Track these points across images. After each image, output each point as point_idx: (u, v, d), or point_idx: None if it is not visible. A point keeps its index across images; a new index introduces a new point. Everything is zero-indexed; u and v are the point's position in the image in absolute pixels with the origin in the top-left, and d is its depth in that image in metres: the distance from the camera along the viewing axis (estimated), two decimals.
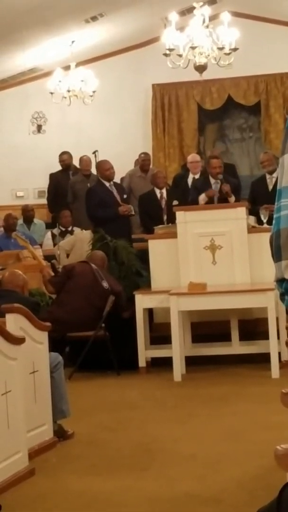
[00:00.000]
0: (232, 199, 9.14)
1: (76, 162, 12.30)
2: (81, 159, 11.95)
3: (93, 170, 11.13)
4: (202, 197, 9.17)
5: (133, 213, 9.71)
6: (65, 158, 12.37)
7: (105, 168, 9.64)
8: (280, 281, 2.02)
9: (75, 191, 11.32)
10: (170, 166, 13.36)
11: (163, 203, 10.07)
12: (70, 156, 12.37)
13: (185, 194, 10.05)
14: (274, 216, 2.02)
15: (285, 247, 1.97)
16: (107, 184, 9.62)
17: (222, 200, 9.16)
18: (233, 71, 11.75)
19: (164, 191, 10.19)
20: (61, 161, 12.43)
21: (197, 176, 10.62)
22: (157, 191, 10.15)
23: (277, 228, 2.00)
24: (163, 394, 6.98)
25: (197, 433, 5.57)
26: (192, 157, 11.27)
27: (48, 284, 8.26)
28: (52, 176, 12.52)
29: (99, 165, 9.90)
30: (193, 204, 9.07)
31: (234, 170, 11.39)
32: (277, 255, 2.00)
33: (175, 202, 9.58)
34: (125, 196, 9.93)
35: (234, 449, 5.05)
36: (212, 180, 9.37)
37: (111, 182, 9.74)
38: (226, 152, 13.52)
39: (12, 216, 10.67)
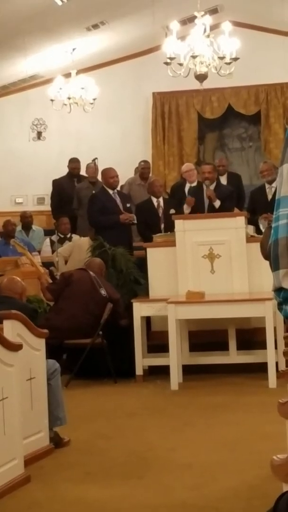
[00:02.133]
0: (217, 203, 9.07)
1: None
2: (87, 166, 11.91)
3: (99, 177, 11.09)
4: (185, 207, 9.18)
5: (135, 221, 9.69)
6: (77, 166, 12.23)
7: (110, 176, 9.67)
8: (278, 290, 2.02)
9: (81, 198, 11.29)
10: (170, 175, 13.38)
11: (160, 211, 10.06)
12: (80, 164, 12.26)
13: (183, 203, 10.06)
14: (272, 225, 2.03)
15: (283, 256, 1.98)
16: (110, 191, 9.66)
17: (211, 207, 9.10)
18: (234, 80, 11.76)
19: (161, 199, 10.16)
20: (73, 168, 12.27)
21: (194, 184, 10.62)
22: (154, 200, 10.14)
23: (275, 237, 2.01)
24: (160, 402, 6.97)
25: (193, 442, 5.56)
26: (186, 166, 11.27)
27: (46, 291, 8.25)
28: (56, 182, 12.43)
29: (104, 172, 9.92)
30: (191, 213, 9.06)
31: (239, 180, 11.38)
32: (275, 265, 2.00)
33: (172, 211, 9.57)
34: (128, 205, 9.93)
35: (230, 458, 5.04)
36: (205, 187, 9.36)
37: (115, 190, 9.77)
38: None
39: (11, 222, 10.67)
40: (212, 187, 9.27)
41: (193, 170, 11.00)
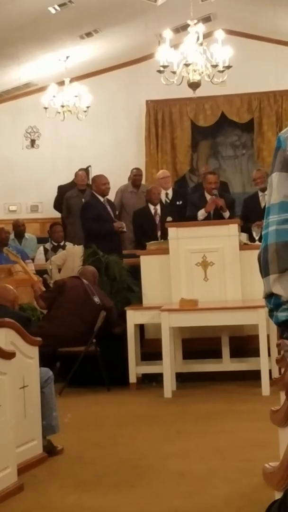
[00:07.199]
0: (227, 214, 9.19)
1: (71, 177, 12.24)
2: (76, 174, 11.92)
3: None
4: (201, 213, 9.25)
5: (125, 229, 9.70)
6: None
7: (101, 183, 9.62)
8: (269, 296, 2.03)
9: (70, 206, 11.28)
10: None
11: (157, 219, 10.09)
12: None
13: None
14: (263, 232, 2.04)
15: (273, 261, 1.99)
16: (101, 199, 9.62)
17: (218, 216, 9.21)
18: (227, 88, 11.81)
19: (158, 207, 10.21)
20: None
21: (169, 191, 10.72)
22: (151, 207, 10.17)
23: (265, 244, 2.02)
24: (153, 410, 6.96)
25: (186, 450, 5.54)
26: (162, 173, 11.34)
27: (39, 299, 8.24)
28: (61, 188, 12.39)
29: (96, 179, 9.88)
30: (191, 219, 9.10)
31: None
32: (265, 270, 2.01)
33: (169, 219, 9.60)
34: (117, 212, 9.94)
35: (223, 466, 5.03)
36: (207, 196, 9.43)
37: (105, 198, 9.74)
38: (219, 169, 13.56)
39: (4, 230, 10.63)
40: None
41: (169, 177, 11.15)
